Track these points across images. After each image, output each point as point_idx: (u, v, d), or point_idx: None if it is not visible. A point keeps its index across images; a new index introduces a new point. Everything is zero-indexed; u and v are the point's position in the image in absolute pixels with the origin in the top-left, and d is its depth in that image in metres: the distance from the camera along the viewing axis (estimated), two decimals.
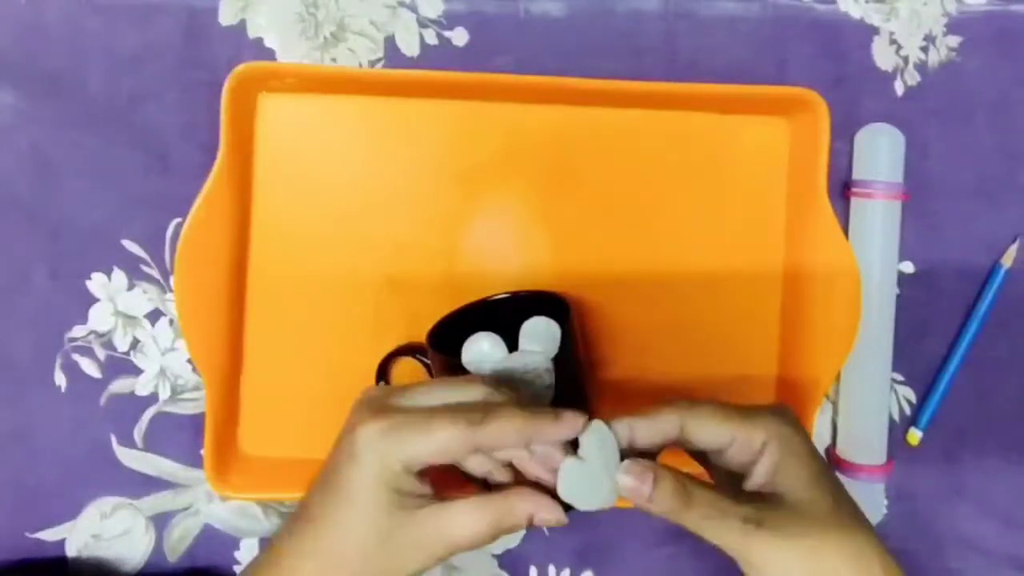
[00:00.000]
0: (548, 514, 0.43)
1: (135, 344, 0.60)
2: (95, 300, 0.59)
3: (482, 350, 0.51)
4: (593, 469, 0.43)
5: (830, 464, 0.46)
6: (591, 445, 0.43)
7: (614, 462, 0.43)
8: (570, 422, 0.43)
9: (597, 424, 0.43)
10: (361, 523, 0.43)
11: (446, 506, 0.43)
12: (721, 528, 0.42)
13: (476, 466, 0.46)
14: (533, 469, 0.44)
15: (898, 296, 0.61)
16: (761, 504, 0.43)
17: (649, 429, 0.43)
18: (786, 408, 0.46)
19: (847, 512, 0.44)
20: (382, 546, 0.42)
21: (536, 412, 0.43)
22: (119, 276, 0.60)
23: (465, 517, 0.43)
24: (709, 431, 0.44)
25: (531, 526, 0.44)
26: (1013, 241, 0.62)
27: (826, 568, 0.42)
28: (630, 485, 0.42)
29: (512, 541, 0.61)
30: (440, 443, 0.42)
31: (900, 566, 0.44)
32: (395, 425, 0.43)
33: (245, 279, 0.59)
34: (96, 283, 0.59)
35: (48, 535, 0.59)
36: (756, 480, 0.44)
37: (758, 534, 0.41)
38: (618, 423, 0.44)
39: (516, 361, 0.51)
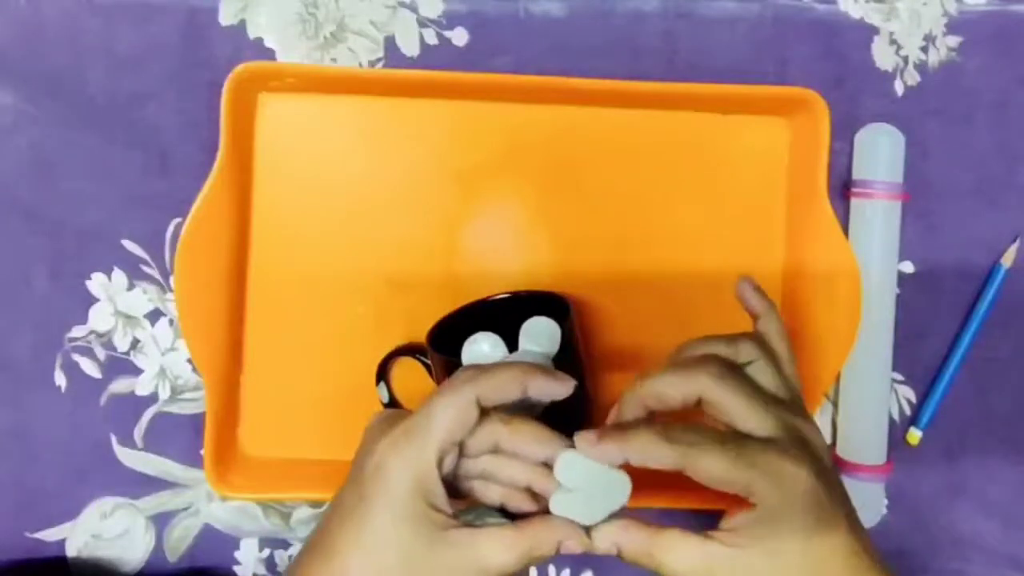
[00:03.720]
0: (575, 540, 0.43)
1: (135, 344, 0.60)
2: (95, 300, 0.59)
3: (482, 350, 0.51)
4: (580, 494, 0.43)
5: (827, 517, 0.43)
6: (572, 476, 0.43)
7: (603, 480, 0.43)
8: (564, 381, 0.44)
9: (570, 455, 0.43)
10: (391, 543, 0.42)
11: (478, 531, 0.43)
12: None
13: (492, 495, 0.46)
14: (523, 503, 0.46)
15: (898, 296, 0.61)
16: (725, 549, 0.42)
17: (644, 461, 0.42)
18: (794, 468, 0.42)
19: (818, 556, 0.42)
20: (413, 570, 0.41)
21: (527, 368, 0.44)
22: (119, 276, 0.60)
23: (498, 543, 0.42)
24: (703, 480, 0.42)
25: (556, 554, 0.43)
26: (1013, 241, 0.62)
27: None
28: (600, 551, 0.43)
29: None
30: (450, 410, 0.42)
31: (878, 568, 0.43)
32: (409, 428, 0.43)
33: (245, 279, 0.59)
34: (96, 283, 0.59)
35: (48, 535, 0.59)
36: (729, 525, 0.43)
37: None
38: (613, 446, 0.42)
39: (516, 361, 0.51)
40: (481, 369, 0.44)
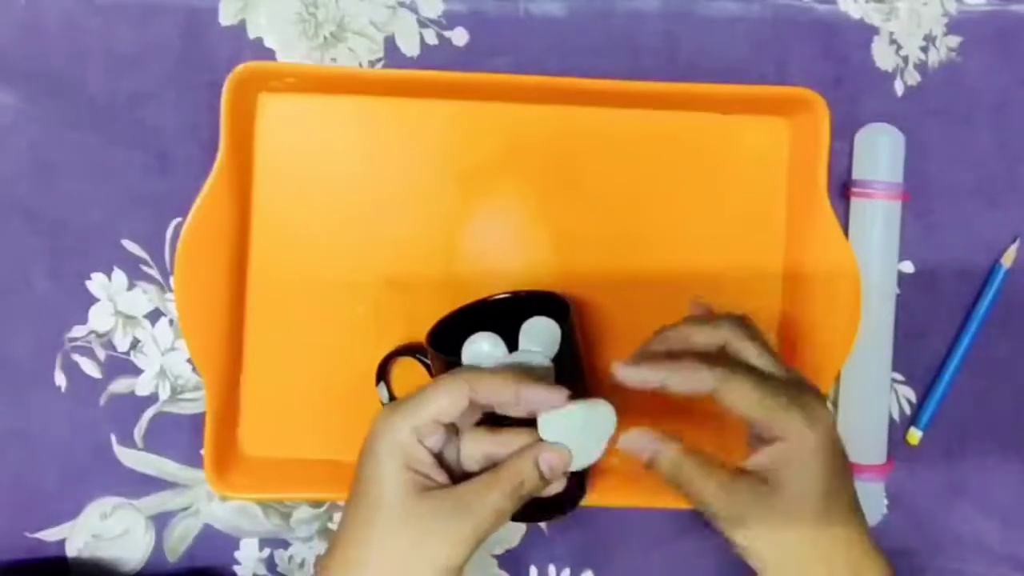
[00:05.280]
0: (553, 454, 0.45)
1: (135, 344, 0.60)
2: (95, 300, 0.59)
3: (482, 350, 0.51)
4: (570, 442, 0.45)
5: (843, 466, 0.46)
6: (555, 430, 0.45)
7: (585, 419, 0.45)
8: (556, 391, 0.44)
9: (547, 415, 0.45)
10: (389, 518, 0.43)
11: (461, 486, 0.44)
12: (711, 503, 0.44)
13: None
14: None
15: (898, 296, 0.61)
16: (752, 486, 0.44)
17: (682, 384, 0.44)
18: (820, 409, 0.45)
19: (836, 508, 0.45)
20: (414, 540, 0.42)
21: (523, 376, 0.45)
22: (119, 276, 0.60)
23: (476, 485, 0.44)
24: (736, 406, 0.44)
25: (548, 481, 0.45)
26: (1013, 241, 0.62)
27: (803, 557, 0.44)
28: (631, 450, 0.45)
29: (512, 541, 0.61)
30: (443, 395, 0.44)
31: (886, 564, 0.45)
32: (401, 402, 0.45)
33: (245, 279, 0.59)
34: (96, 283, 0.59)
35: (48, 535, 0.59)
36: (757, 462, 0.45)
37: (744, 512, 0.44)
38: (652, 370, 0.45)
39: (516, 361, 0.51)
40: (480, 368, 0.46)
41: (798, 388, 0.46)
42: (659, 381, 0.44)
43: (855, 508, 0.46)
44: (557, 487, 0.46)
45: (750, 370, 0.45)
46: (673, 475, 0.45)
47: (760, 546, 0.44)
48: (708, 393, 0.44)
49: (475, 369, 0.46)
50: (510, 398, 0.44)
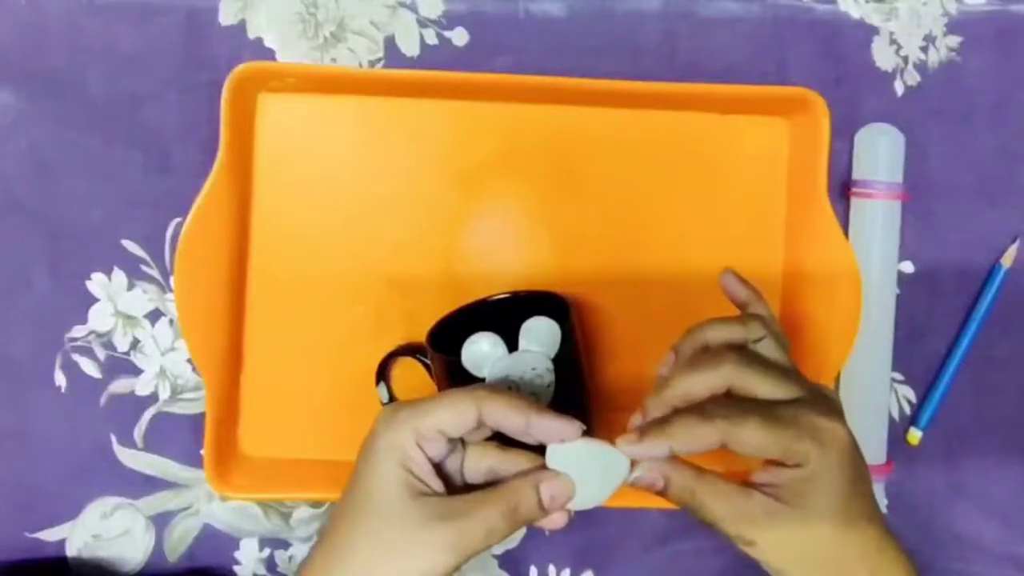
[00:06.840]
0: (553, 482, 0.43)
1: (135, 344, 0.60)
2: (95, 300, 0.60)
3: (482, 350, 0.51)
4: (578, 480, 0.44)
5: (861, 472, 0.45)
6: (564, 464, 0.44)
7: (598, 462, 0.44)
8: (570, 423, 0.43)
9: (559, 445, 0.44)
10: (378, 517, 0.42)
11: (456, 496, 0.43)
12: (724, 525, 0.44)
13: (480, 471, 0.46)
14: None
15: (898, 296, 0.61)
16: (763, 502, 0.43)
17: (688, 446, 0.43)
18: (833, 426, 0.44)
19: (852, 514, 0.44)
20: (400, 542, 0.42)
21: (537, 405, 0.44)
22: (119, 276, 0.60)
23: (475, 501, 0.43)
24: (749, 452, 0.43)
25: (546, 512, 0.44)
26: (1013, 241, 0.62)
27: (819, 562, 0.43)
28: (644, 482, 0.44)
29: (512, 541, 0.61)
30: (449, 408, 0.43)
31: (909, 562, 0.45)
32: (406, 403, 0.44)
33: (245, 279, 0.59)
34: (96, 283, 0.59)
35: (48, 535, 0.59)
36: (768, 478, 0.44)
37: (758, 532, 0.43)
38: (656, 440, 0.43)
39: (516, 361, 0.51)
40: (496, 389, 0.45)
41: (807, 408, 0.44)
42: (665, 451, 0.43)
43: (873, 508, 0.45)
44: (556, 521, 0.45)
45: (756, 408, 0.43)
46: (686, 500, 0.44)
47: (773, 557, 0.43)
48: (718, 446, 0.43)
49: (490, 389, 0.44)
50: (520, 426, 0.43)
